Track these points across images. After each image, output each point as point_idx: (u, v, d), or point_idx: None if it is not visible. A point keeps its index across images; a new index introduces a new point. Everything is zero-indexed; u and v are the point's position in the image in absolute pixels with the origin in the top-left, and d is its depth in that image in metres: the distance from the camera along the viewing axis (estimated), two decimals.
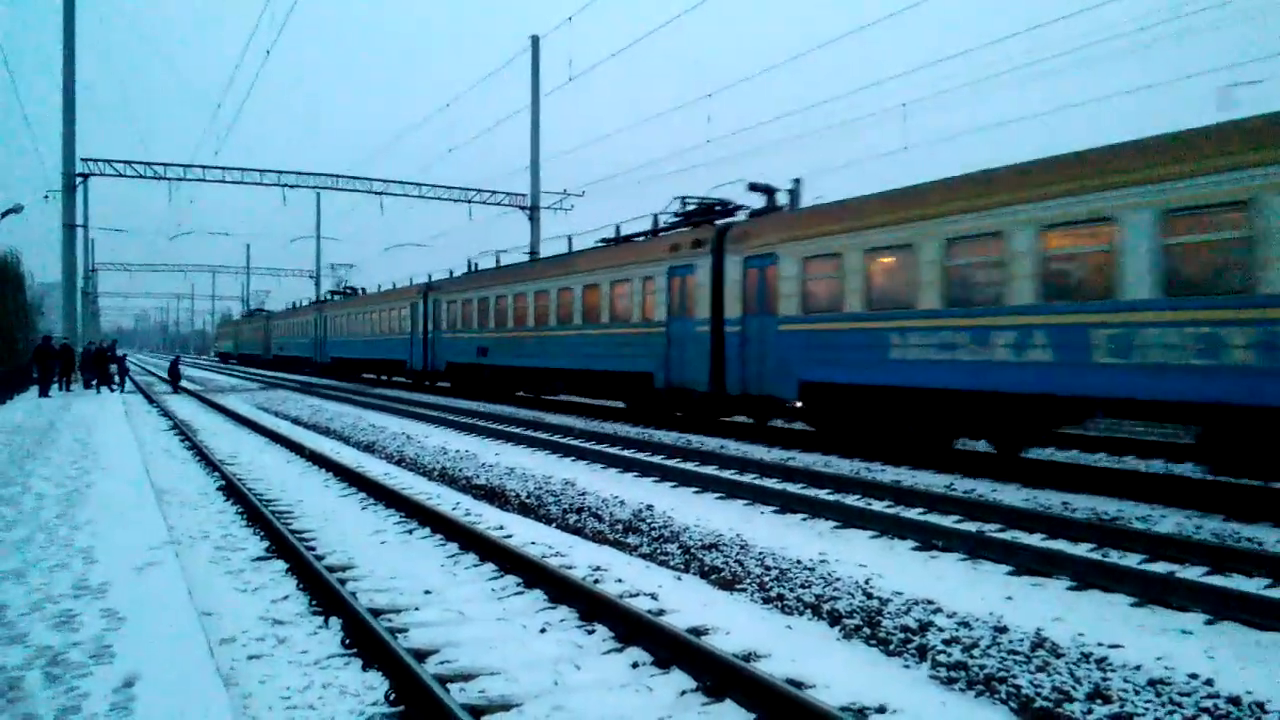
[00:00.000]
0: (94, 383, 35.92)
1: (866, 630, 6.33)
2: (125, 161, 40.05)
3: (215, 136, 62.14)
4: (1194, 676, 5.32)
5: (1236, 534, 9.19)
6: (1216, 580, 7.47)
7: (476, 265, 35.29)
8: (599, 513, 10.63)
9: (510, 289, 28.81)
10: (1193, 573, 7.76)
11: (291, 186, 42.56)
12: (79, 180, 37.98)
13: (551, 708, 4.96)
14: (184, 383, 37.27)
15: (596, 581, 7.50)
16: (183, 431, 19.83)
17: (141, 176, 40.41)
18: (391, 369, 42.76)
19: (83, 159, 38.35)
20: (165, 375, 42.96)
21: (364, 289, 52.09)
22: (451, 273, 36.72)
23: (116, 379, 37.20)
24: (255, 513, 10.22)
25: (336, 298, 54.63)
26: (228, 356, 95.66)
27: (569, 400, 30.46)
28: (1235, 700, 4.95)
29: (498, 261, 33.64)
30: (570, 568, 7.94)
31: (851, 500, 11.17)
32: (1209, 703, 4.93)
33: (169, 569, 7.40)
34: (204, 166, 41.21)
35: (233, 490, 11.95)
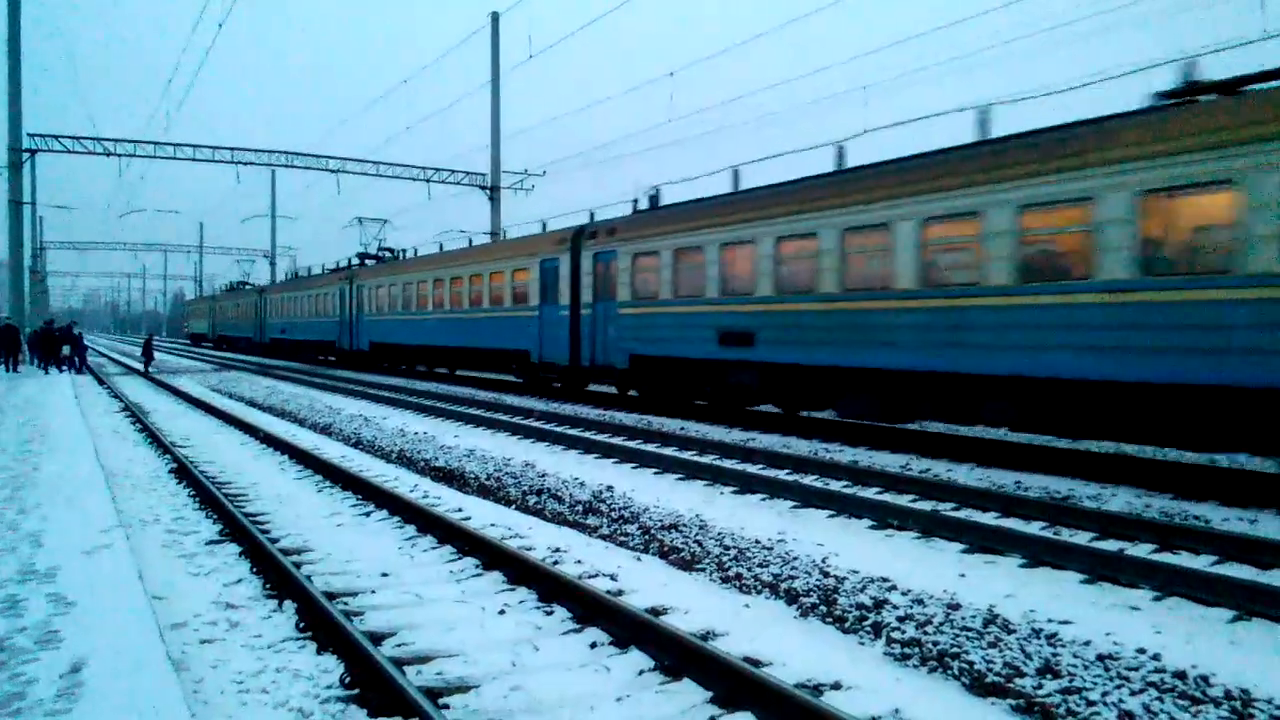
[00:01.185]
0: (44, 363, 35.06)
1: (823, 608, 6.39)
2: (74, 137, 39.03)
3: (166, 112, 60.79)
4: (1142, 651, 5.44)
5: (1185, 512, 9.40)
6: (1165, 557, 7.63)
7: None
8: (559, 494, 10.61)
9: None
10: (1142, 550, 7.93)
11: (245, 164, 41.76)
12: (26, 156, 36.96)
13: (509, 688, 4.95)
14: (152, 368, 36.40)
15: (556, 563, 7.49)
16: (134, 414, 19.45)
17: (90, 153, 39.39)
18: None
19: (29, 134, 37.35)
20: (114, 356, 42.03)
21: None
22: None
23: (76, 360, 36.34)
24: (208, 495, 10.06)
25: (369, 264, 41.13)
26: (200, 339, 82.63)
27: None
28: (1181, 674, 5.07)
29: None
30: (529, 549, 7.92)
31: (810, 480, 11.26)
32: (1156, 676, 5.05)
33: (119, 553, 7.27)
34: (154, 143, 40.24)
35: (185, 473, 11.75)
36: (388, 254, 40.61)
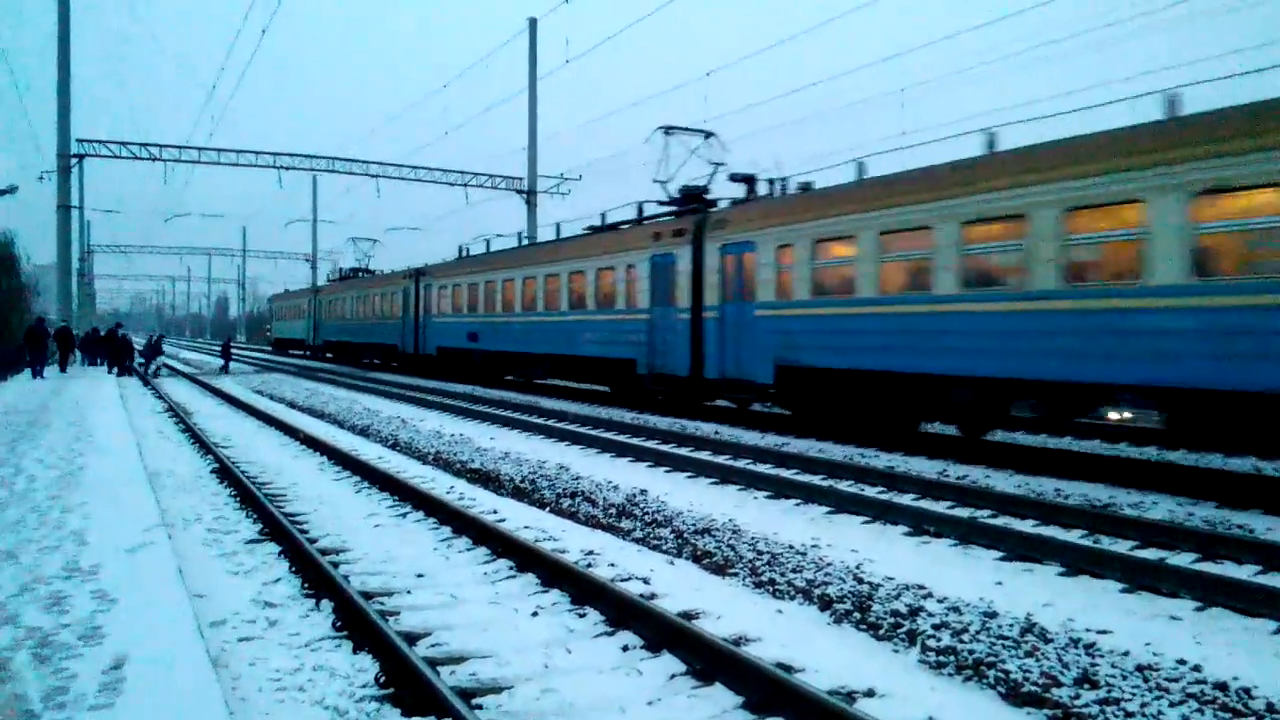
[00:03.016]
0: (100, 363, 35.96)
1: (857, 615, 6.34)
2: (120, 143, 39.86)
3: (210, 118, 61.87)
4: (1182, 662, 5.34)
5: (1228, 521, 9.21)
6: (1207, 567, 7.48)
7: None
8: (592, 497, 10.64)
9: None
10: (1183, 559, 7.79)
11: (287, 168, 42.39)
12: (74, 161, 37.82)
13: (541, 690, 4.97)
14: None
15: (589, 566, 7.51)
16: (177, 414, 19.81)
17: (136, 158, 40.19)
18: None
19: (77, 140, 38.20)
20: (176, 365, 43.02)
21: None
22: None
23: (140, 363, 37.79)
24: (248, 495, 10.22)
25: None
26: (290, 346, 63.02)
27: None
28: (1222, 686, 4.97)
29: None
30: (563, 552, 7.94)
31: (844, 486, 11.18)
32: (1196, 688, 4.96)
33: (160, 551, 7.40)
34: (199, 148, 41.00)
35: (226, 473, 11.94)
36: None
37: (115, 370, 35.62)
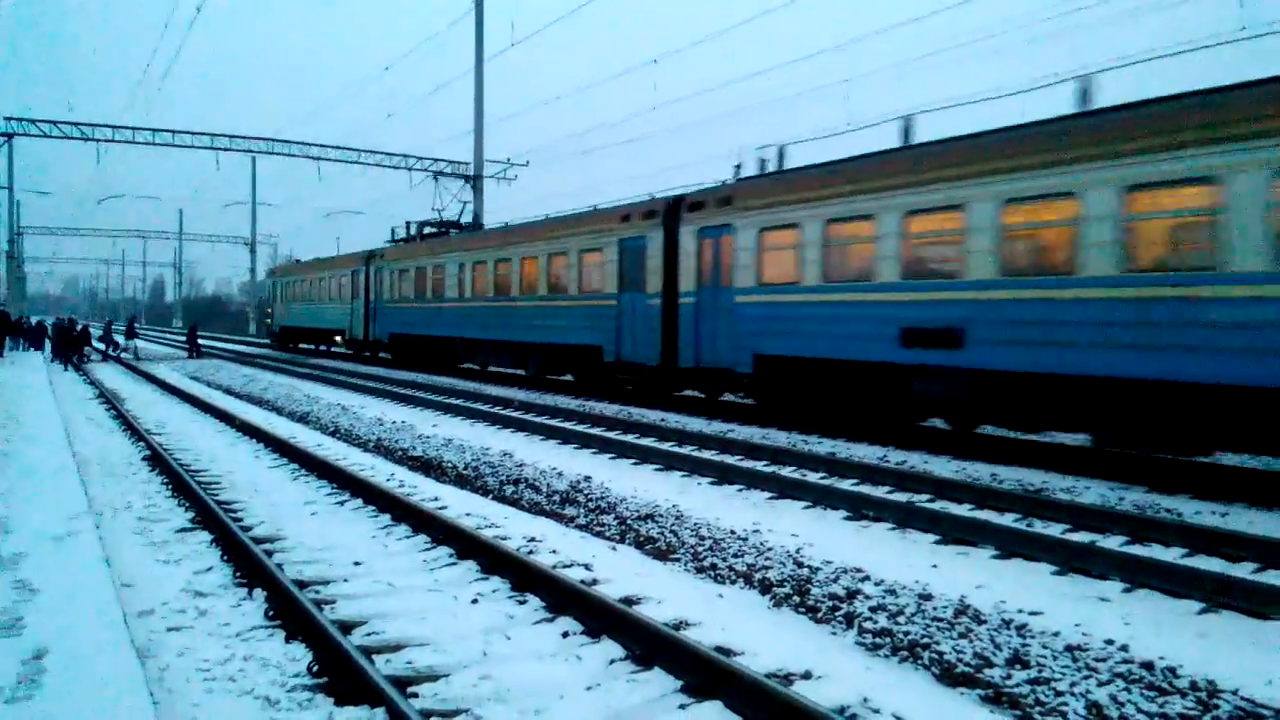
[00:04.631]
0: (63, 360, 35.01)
1: (796, 599, 6.39)
2: (51, 121, 38.52)
3: (144, 97, 60.20)
4: (1110, 642, 5.47)
5: (1157, 505, 9.47)
6: (1136, 550, 7.68)
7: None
8: (536, 484, 10.58)
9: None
10: (1113, 542, 7.98)
11: (225, 150, 41.33)
12: (3, 140, 36.49)
13: (479, 677, 4.92)
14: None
15: (531, 553, 7.46)
16: (109, 401, 19.26)
17: (68, 137, 38.83)
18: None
19: (6, 118, 36.87)
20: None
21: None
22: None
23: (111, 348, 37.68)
24: (181, 483, 9.96)
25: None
26: (306, 338, 46.05)
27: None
28: (1149, 665, 5.11)
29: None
30: (505, 539, 7.88)
31: (787, 472, 11.27)
32: (1123, 667, 5.08)
33: (87, 540, 7.19)
34: (133, 128, 39.75)
35: (158, 460, 11.64)
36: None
37: (66, 361, 34.51)
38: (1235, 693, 4.76)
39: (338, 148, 42.43)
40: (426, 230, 34.90)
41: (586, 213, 22.63)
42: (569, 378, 24.96)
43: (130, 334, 41.84)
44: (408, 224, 35.49)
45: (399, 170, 42.77)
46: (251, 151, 43.02)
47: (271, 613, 5.90)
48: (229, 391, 23.21)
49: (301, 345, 47.61)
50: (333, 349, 44.40)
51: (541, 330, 23.14)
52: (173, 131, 40.47)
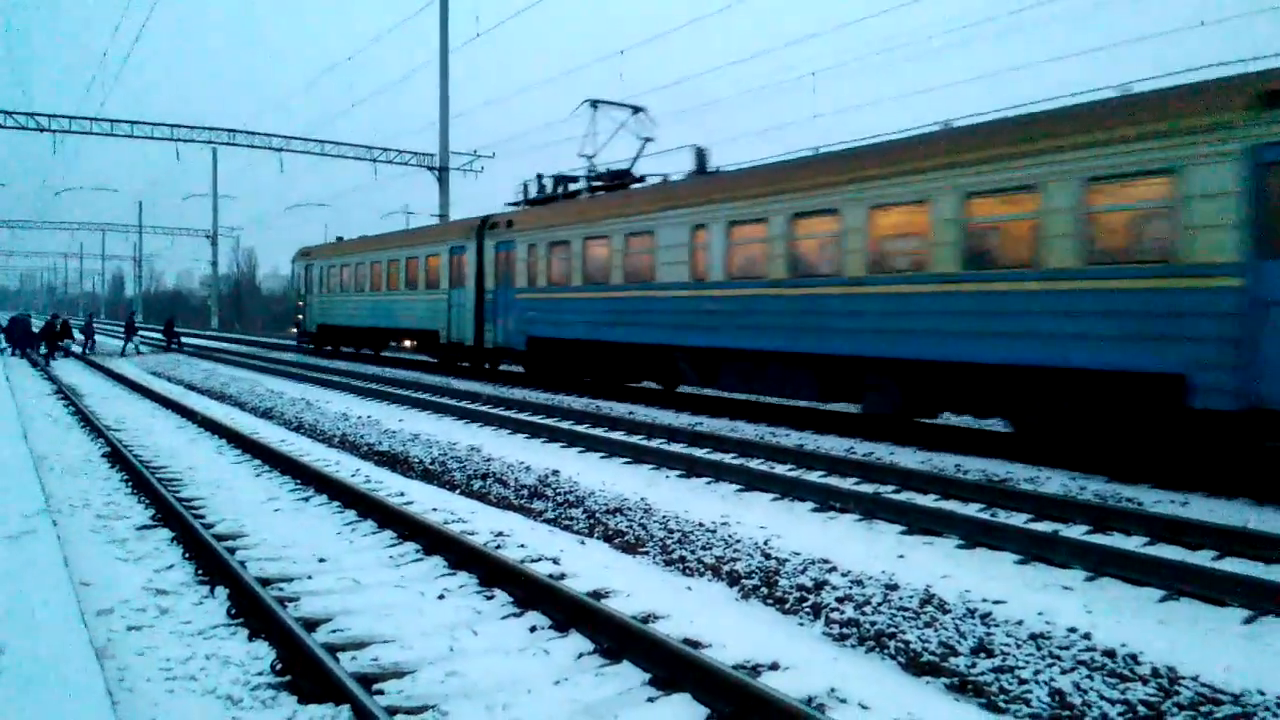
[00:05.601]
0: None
1: (764, 590, 6.41)
2: (6, 112, 37.63)
3: (102, 86, 58.75)
4: (1073, 630, 5.54)
5: (1118, 494, 9.60)
6: (1098, 538, 7.77)
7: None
8: (504, 478, 10.52)
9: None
10: (1075, 531, 8.09)
11: (185, 141, 40.63)
12: None
13: (445, 673, 4.89)
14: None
15: (498, 547, 7.42)
16: (68, 396, 18.90)
17: (23, 128, 37.99)
18: None
19: None
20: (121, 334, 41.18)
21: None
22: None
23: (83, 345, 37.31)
24: (141, 480, 9.80)
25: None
26: (350, 340, 36.10)
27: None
28: (1110, 653, 5.17)
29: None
30: (472, 534, 7.83)
31: (755, 464, 11.31)
32: (1086, 655, 5.15)
33: (45, 538, 7.05)
34: (91, 119, 38.97)
35: (118, 457, 11.44)
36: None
37: (47, 356, 33.78)
38: (1195, 679, 4.84)
39: (301, 139, 41.86)
40: (587, 186, 22.74)
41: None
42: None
43: (130, 331, 40.14)
44: (539, 178, 24.07)
45: (363, 161, 42.25)
46: (212, 143, 42.32)
47: (234, 611, 5.82)
48: (190, 387, 22.87)
49: (349, 348, 36.82)
50: (400, 353, 35.60)
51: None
52: (131, 122, 39.72)
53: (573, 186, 23.29)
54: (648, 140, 21.77)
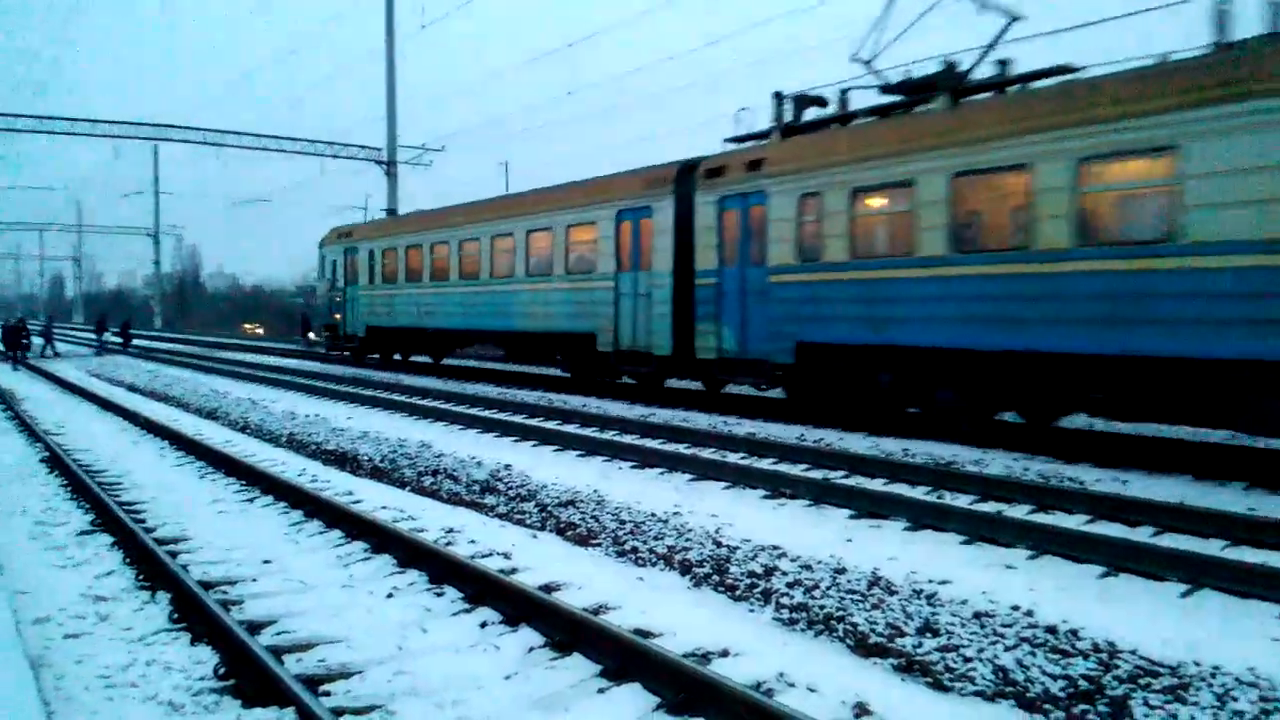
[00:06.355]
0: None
1: (715, 578, 6.44)
2: None
3: (35, 82, 57.16)
4: (1016, 608, 5.64)
5: (1060, 474, 9.80)
6: (1040, 518, 7.93)
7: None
8: (455, 474, 10.45)
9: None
10: (1019, 511, 8.23)
11: (124, 137, 39.65)
12: None
13: (394, 672, 4.84)
14: None
15: (449, 544, 7.36)
16: (3, 400, 18.38)
17: None
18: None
19: None
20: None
21: None
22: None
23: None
24: (80, 484, 9.57)
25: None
26: (399, 345, 28.82)
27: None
28: (1052, 629, 5.28)
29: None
30: (422, 531, 7.76)
31: (707, 453, 11.35)
32: (1029, 632, 5.25)
33: None
34: (24, 115, 37.85)
35: (56, 461, 11.15)
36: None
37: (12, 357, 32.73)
38: (1134, 652, 4.95)
39: (242, 134, 41.05)
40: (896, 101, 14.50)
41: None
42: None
43: (102, 332, 39.99)
44: (778, 97, 15.81)
45: (309, 157, 41.56)
46: (152, 139, 41.37)
47: (176, 615, 5.71)
48: (132, 388, 22.36)
49: (419, 356, 29.52)
50: (465, 358, 30.83)
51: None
52: (68, 119, 38.65)
53: (851, 107, 14.54)
54: (1013, 20, 12.57)
